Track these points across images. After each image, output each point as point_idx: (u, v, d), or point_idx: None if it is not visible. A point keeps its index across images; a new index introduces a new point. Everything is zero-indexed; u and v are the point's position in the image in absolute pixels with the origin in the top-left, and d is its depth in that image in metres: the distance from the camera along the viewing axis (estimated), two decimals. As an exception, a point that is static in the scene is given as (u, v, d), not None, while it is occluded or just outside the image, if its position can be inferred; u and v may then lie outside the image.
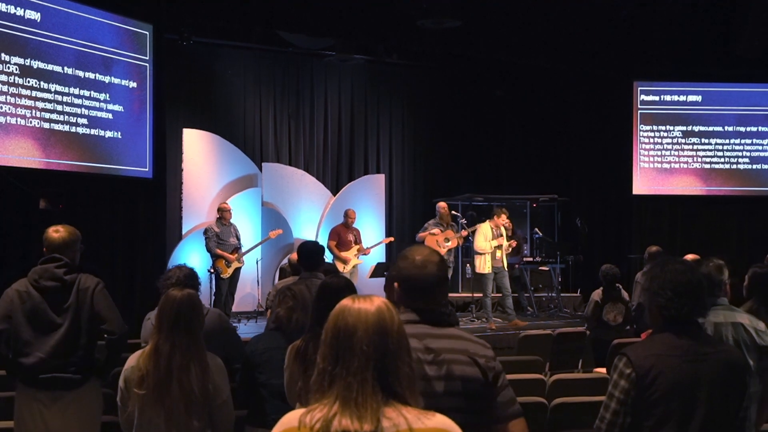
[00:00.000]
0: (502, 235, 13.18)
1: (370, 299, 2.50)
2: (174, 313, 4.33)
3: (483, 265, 13.01)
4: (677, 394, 3.41)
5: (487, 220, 13.39)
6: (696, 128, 16.73)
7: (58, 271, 5.28)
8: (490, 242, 13.01)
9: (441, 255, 3.40)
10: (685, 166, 16.74)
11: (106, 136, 11.64)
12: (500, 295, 13.34)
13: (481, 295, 13.31)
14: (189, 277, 5.40)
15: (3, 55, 10.29)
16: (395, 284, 3.36)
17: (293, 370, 4.49)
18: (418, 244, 3.88)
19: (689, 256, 9.25)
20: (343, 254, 13.51)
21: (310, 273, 7.04)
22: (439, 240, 13.48)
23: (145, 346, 5.15)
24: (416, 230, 14.18)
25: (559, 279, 15.79)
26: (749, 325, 4.64)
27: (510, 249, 13.48)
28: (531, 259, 15.90)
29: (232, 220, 13.12)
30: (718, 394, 3.45)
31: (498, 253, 13.12)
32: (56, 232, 5.42)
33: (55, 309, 5.26)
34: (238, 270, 12.96)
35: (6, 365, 5.37)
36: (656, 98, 16.80)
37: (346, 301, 2.51)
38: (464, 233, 13.96)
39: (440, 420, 2.43)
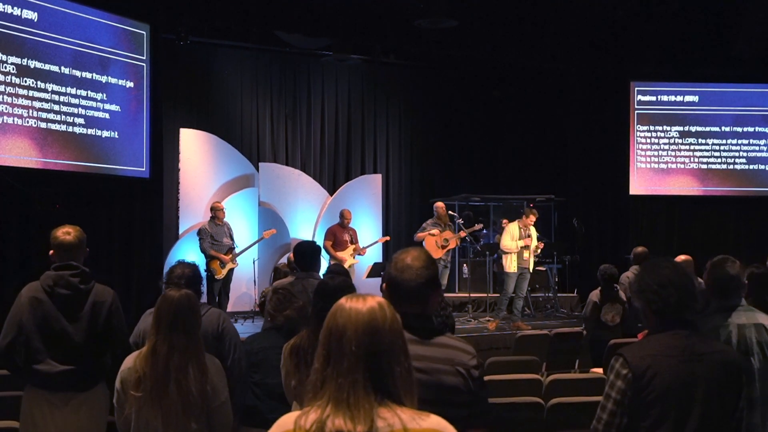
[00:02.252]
0: (530, 236, 13.14)
1: (364, 298, 2.49)
2: (172, 314, 4.28)
3: (509, 264, 13.01)
4: (674, 395, 3.41)
5: (516, 220, 13.39)
6: (693, 128, 16.74)
7: (74, 280, 5.21)
8: (517, 242, 12.99)
9: (429, 258, 3.34)
10: (682, 166, 16.75)
11: (103, 136, 11.64)
12: (514, 295, 13.30)
13: (481, 294, 13.29)
14: (194, 278, 5.32)
15: (0, 54, 10.29)
16: (383, 286, 3.37)
17: (288, 369, 4.49)
18: (412, 246, 3.89)
19: (680, 257, 9.29)
20: (339, 254, 13.49)
21: (306, 273, 7.05)
22: (438, 240, 13.48)
23: (134, 347, 5.16)
24: (412, 230, 14.17)
25: (556, 279, 15.80)
26: None
27: (538, 250, 13.46)
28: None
29: (226, 219, 13.10)
30: (715, 395, 3.45)
31: (525, 254, 13.09)
32: (67, 234, 5.32)
33: (68, 317, 5.18)
34: (231, 271, 12.94)
35: (18, 373, 5.33)
36: (653, 98, 16.80)
37: (341, 301, 2.50)
38: (462, 234, 13.96)
39: (435, 420, 2.43)
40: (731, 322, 4.57)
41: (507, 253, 13.04)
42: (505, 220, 14.50)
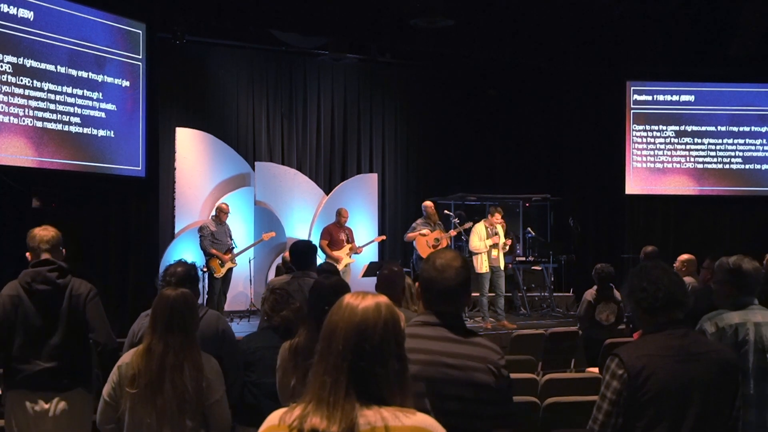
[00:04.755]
0: (497, 234, 13.14)
1: (364, 297, 2.48)
2: (168, 313, 4.29)
3: (480, 264, 13.00)
4: (669, 395, 3.42)
5: (482, 220, 13.38)
6: (689, 128, 16.75)
7: (51, 275, 5.24)
8: (485, 241, 12.99)
9: (464, 260, 3.46)
10: (678, 165, 16.76)
11: (99, 135, 11.62)
12: (493, 294, 13.27)
13: (477, 294, 13.30)
14: (187, 276, 5.29)
15: (-4, 53, 10.30)
16: (416, 285, 3.45)
17: (287, 368, 4.49)
18: (445, 249, 3.98)
19: (684, 256, 9.30)
20: (336, 253, 13.49)
21: (302, 272, 7.05)
22: (429, 240, 13.46)
23: (128, 347, 5.15)
24: (408, 229, 14.16)
25: (552, 279, 15.81)
26: None
27: (506, 247, 13.44)
28: (524, 258, 15.92)
29: (226, 221, 13.12)
30: (711, 394, 3.46)
31: (494, 252, 13.09)
32: (45, 230, 5.38)
33: (48, 313, 5.21)
34: (230, 270, 12.95)
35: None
36: (649, 98, 16.81)
37: (343, 298, 2.50)
38: (453, 233, 13.93)
39: (420, 419, 2.39)
40: (748, 320, 4.57)
41: (477, 253, 13.04)
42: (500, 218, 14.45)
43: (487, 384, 3.23)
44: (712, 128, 16.76)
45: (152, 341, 4.27)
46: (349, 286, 4.73)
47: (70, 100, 11.20)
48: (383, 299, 2.50)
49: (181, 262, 5.34)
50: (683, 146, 16.76)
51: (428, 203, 14.08)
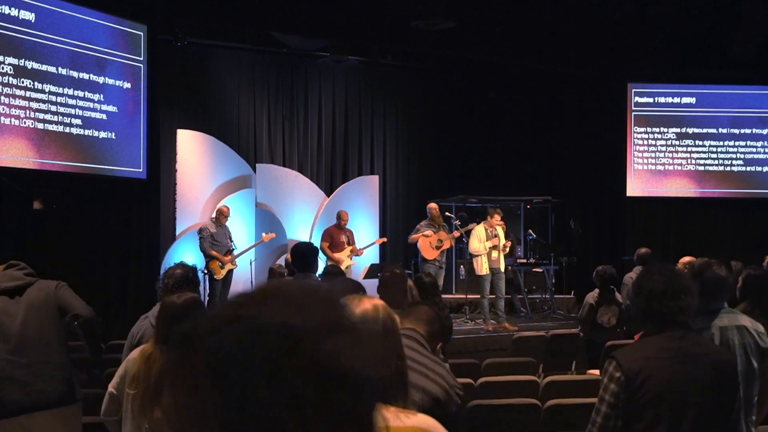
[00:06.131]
0: (497, 236, 13.09)
1: (360, 300, 2.48)
2: (168, 323, 4.23)
3: (480, 266, 12.95)
4: (667, 397, 3.42)
5: (482, 222, 13.35)
6: (690, 130, 16.74)
7: (18, 273, 5.26)
8: (484, 243, 12.95)
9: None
10: (679, 168, 16.75)
11: (100, 137, 11.63)
12: (494, 296, 13.24)
13: (478, 296, 13.28)
14: (184, 279, 5.24)
15: (-3, 55, 10.30)
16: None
17: None
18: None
19: (685, 259, 9.28)
20: (336, 255, 13.46)
21: (303, 274, 7.06)
22: (432, 241, 13.42)
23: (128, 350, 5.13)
24: (409, 231, 14.13)
25: (553, 281, 15.77)
26: (751, 327, 4.59)
27: (506, 249, 13.39)
28: (525, 260, 15.88)
29: (226, 223, 13.12)
30: (709, 396, 3.46)
31: (494, 254, 13.04)
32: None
33: (20, 307, 5.19)
34: (231, 272, 12.94)
35: None
36: (650, 100, 16.80)
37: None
38: (456, 234, 13.90)
39: (421, 419, 2.41)
40: (713, 324, 4.54)
41: (477, 255, 13.00)
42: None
43: (436, 397, 3.28)
44: (713, 130, 16.76)
45: (154, 351, 4.22)
46: (362, 286, 4.72)
47: (71, 101, 11.21)
48: (378, 301, 2.52)
49: (180, 264, 5.31)
50: (684, 148, 16.75)
51: (433, 205, 14.06)
